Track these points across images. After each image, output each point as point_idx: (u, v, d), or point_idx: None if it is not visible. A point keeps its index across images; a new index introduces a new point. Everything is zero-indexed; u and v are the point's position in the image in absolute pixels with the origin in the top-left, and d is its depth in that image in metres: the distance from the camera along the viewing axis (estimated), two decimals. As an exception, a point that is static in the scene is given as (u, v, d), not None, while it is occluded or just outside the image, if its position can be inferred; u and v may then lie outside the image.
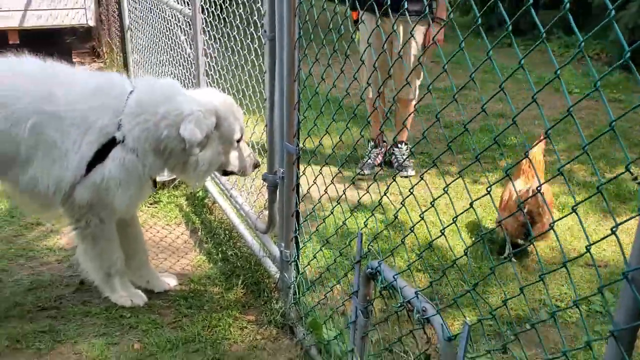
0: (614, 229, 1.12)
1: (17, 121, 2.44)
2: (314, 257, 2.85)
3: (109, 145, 2.52)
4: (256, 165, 2.79)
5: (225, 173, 2.81)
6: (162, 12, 4.67)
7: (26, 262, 3.29)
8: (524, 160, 3.18)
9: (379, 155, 4.79)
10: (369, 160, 4.71)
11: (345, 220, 2.39)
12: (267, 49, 2.54)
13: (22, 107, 2.45)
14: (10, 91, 2.47)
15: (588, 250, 1.17)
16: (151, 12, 4.90)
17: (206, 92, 2.77)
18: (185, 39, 4.19)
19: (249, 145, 2.81)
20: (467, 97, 6.81)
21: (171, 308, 2.92)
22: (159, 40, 4.81)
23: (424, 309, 1.70)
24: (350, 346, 2.15)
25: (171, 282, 3.09)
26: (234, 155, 2.69)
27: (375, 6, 1.98)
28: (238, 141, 2.68)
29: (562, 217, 1.45)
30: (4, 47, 7.79)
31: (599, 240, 1.22)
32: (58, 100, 2.48)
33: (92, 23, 7.72)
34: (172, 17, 4.35)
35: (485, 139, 5.41)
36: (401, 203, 1.89)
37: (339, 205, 2.35)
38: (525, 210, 3.16)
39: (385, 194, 1.96)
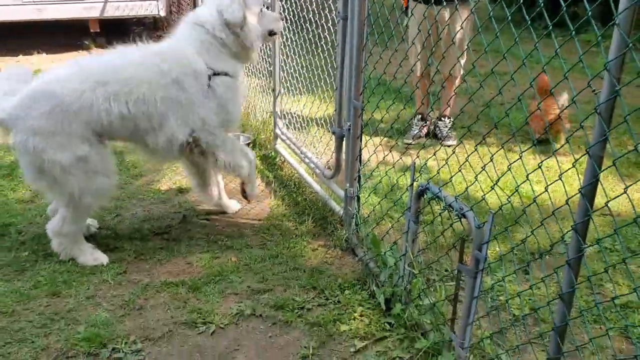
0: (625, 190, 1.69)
1: (145, 100, 3.16)
2: (369, 195, 3.54)
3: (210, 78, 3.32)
4: (281, 19, 3.78)
5: (270, 35, 3.67)
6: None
7: (138, 202, 4.09)
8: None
9: (424, 128, 5.42)
10: (415, 131, 5.35)
11: (393, 165, 3.06)
12: (339, 27, 3.23)
13: (146, 89, 3.16)
14: (132, 79, 3.15)
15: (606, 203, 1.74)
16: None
17: None
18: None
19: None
20: (504, 79, 7.36)
21: (257, 235, 3.66)
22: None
23: (461, 207, 2.37)
24: (403, 252, 2.83)
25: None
26: (265, 20, 3.55)
27: None
28: (261, 11, 3.54)
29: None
30: (86, 34, 8.77)
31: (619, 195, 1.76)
32: (170, 71, 3.21)
33: (163, 13, 8.60)
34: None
35: (520, 117, 5.98)
36: (446, 161, 2.56)
37: (390, 167, 3.06)
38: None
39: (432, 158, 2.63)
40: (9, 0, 7.88)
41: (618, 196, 1.78)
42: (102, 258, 3.31)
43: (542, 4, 2.02)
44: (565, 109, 4.61)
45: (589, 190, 1.72)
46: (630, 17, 1.50)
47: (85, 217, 3.38)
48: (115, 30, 9.19)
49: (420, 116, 5.41)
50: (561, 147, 4.71)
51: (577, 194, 1.77)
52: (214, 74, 3.32)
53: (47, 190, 3.22)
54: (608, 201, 1.70)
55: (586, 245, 1.76)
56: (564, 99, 4.91)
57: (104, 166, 3.20)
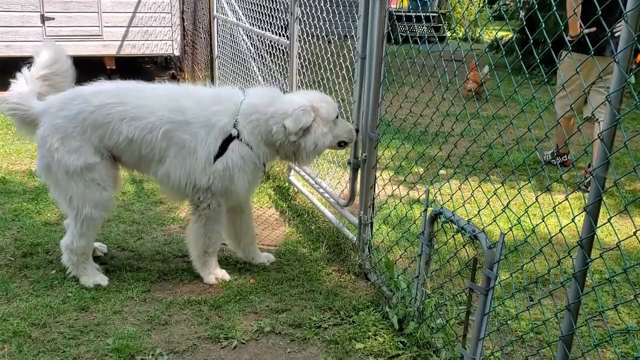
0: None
1: (151, 129, 3.20)
2: (380, 226, 3.73)
3: (228, 140, 3.25)
4: (357, 130, 3.49)
5: (340, 145, 3.46)
6: (252, 41, 5.73)
7: (158, 227, 4.27)
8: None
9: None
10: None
11: (401, 199, 3.25)
12: (358, 65, 3.49)
13: (156, 119, 3.20)
14: (147, 107, 3.23)
15: (608, 219, 1.99)
16: (244, 42, 5.96)
17: (302, 93, 3.53)
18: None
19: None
20: (505, 123, 7.66)
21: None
22: (249, 65, 5.86)
23: (473, 230, 2.56)
24: (416, 274, 3.01)
25: (270, 258, 3.80)
26: (338, 129, 3.37)
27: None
28: (336, 118, 3.37)
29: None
30: (102, 71, 9.08)
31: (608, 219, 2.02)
32: (187, 110, 3.23)
33: (177, 53, 8.95)
34: (265, 46, 5.40)
35: (519, 157, 6.24)
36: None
37: (399, 200, 3.25)
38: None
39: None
40: (31, 37, 8.21)
41: (620, 211, 1.98)
42: (102, 281, 3.42)
43: (538, 60, 2.35)
44: (485, 75, 7.89)
45: (593, 208, 1.92)
46: (627, 55, 1.73)
47: (92, 232, 3.38)
48: (129, 68, 9.55)
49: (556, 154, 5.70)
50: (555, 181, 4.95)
51: (581, 212, 1.97)
52: (236, 137, 3.24)
53: (51, 188, 3.37)
54: (611, 217, 1.90)
55: (590, 259, 1.95)
56: (484, 70, 7.95)
57: (105, 180, 3.29)
